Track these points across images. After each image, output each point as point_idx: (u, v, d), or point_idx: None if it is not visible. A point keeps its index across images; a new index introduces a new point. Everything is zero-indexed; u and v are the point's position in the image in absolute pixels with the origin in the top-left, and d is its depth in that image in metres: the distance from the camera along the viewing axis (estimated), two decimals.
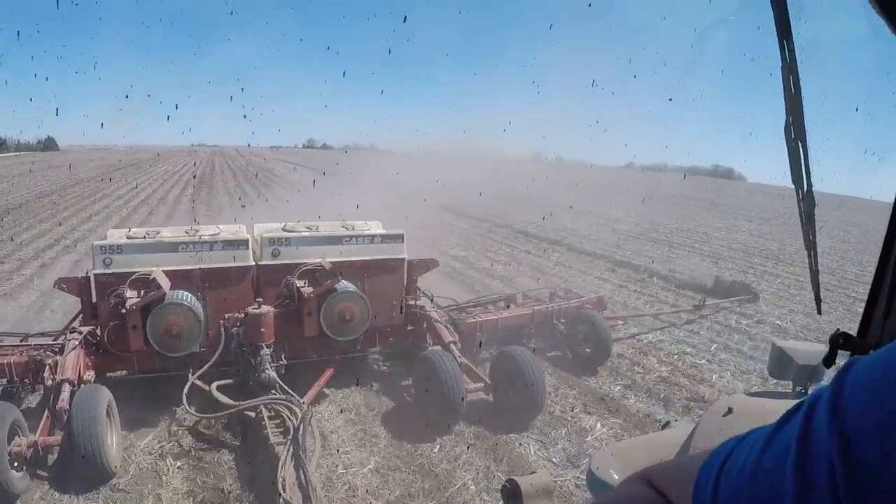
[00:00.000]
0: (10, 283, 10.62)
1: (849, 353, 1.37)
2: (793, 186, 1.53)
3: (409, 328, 6.81)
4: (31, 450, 4.59)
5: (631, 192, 34.89)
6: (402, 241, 6.59)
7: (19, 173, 38.29)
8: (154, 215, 20.41)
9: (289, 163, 52.74)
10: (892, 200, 1.25)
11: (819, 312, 1.90)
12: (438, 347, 6.15)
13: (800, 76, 1.39)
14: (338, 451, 5.25)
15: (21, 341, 6.04)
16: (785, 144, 1.47)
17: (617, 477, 2.22)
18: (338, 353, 6.38)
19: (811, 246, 1.63)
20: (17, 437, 4.56)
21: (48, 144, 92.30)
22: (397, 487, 4.77)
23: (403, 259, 6.59)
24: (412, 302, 6.75)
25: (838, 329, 1.37)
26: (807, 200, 1.54)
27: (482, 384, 5.85)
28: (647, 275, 13.27)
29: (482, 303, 7.70)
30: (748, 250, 19.23)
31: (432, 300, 7.08)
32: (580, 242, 17.33)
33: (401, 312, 6.67)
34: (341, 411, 5.99)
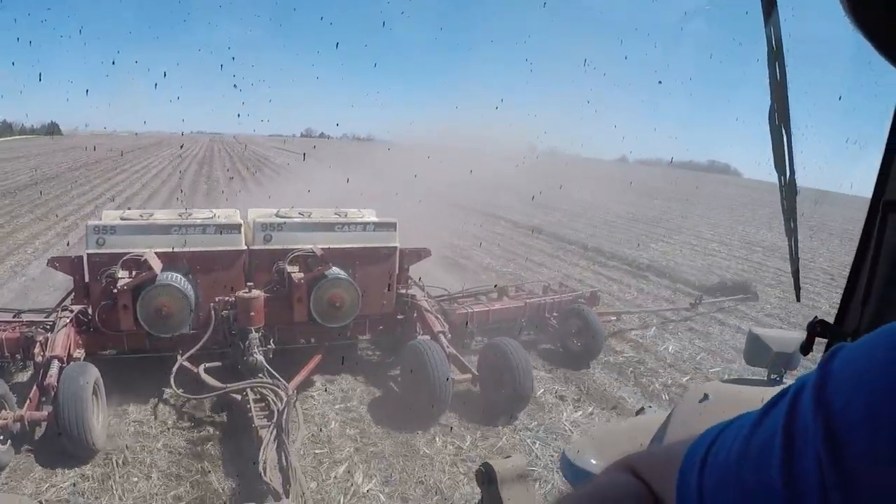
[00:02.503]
0: (78, 214, 16.35)
1: (826, 340, 1.37)
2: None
3: (400, 317, 6.79)
4: (18, 424, 4.60)
5: (587, 179, 34.87)
6: (395, 230, 6.58)
7: (38, 153, 42.65)
8: (166, 184, 26.10)
9: (289, 151, 52.50)
10: (870, 192, 1.25)
11: (798, 300, 1.90)
12: (427, 337, 6.15)
13: (786, 62, 1.39)
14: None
15: (13, 317, 6.06)
16: (769, 131, 1.47)
17: (594, 462, 2.22)
18: (327, 339, 6.38)
19: (792, 234, 1.62)
20: (3, 411, 4.58)
21: (52, 129, 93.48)
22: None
23: (395, 247, 6.58)
24: (403, 290, 6.75)
25: (816, 316, 1.36)
26: (789, 188, 1.53)
27: (469, 375, 5.85)
28: (504, 221, 19.03)
29: (474, 293, 7.70)
30: (630, 217, 23.83)
31: (423, 289, 7.07)
32: (488, 208, 21.36)
33: (391, 301, 6.66)
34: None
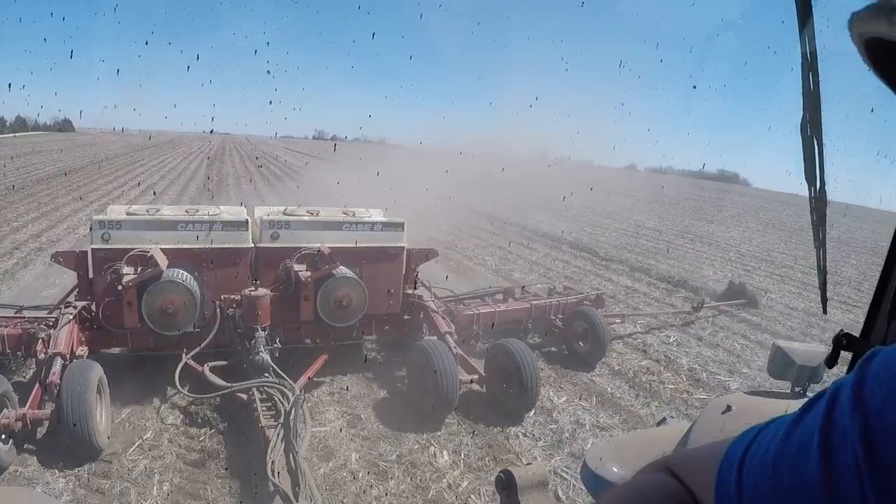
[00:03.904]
0: (109, 197, 19.81)
1: (851, 354, 1.36)
2: (801, 189, 1.50)
3: (406, 317, 6.77)
4: (20, 422, 4.55)
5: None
6: (403, 230, 6.55)
7: (59, 148, 45.23)
8: (182, 175, 29.73)
9: (303, 155, 52.06)
10: None
11: (824, 312, 1.87)
12: (434, 337, 6.12)
13: (819, 72, 1.36)
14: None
15: (15, 313, 6.01)
16: (801, 141, 1.44)
17: (616, 470, 2.19)
18: (333, 339, 6.35)
19: (820, 245, 1.60)
20: (5, 409, 4.52)
21: (64, 126, 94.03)
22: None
23: (403, 247, 6.56)
24: (410, 291, 6.72)
25: (842, 329, 1.36)
26: (819, 199, 1.51)
27: (476, 376, 5.83)
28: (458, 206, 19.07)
29: (480, 295, 7.68)
30: (591, 211, 25.56)
31: (430, 290, 7.04)
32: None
33: (398, 301, 6.64)
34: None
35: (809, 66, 1.33)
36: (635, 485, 0.78)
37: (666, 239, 19.98)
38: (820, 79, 1.36)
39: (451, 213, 17.39)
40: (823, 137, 1.42)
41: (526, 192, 24.78)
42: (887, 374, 0.47)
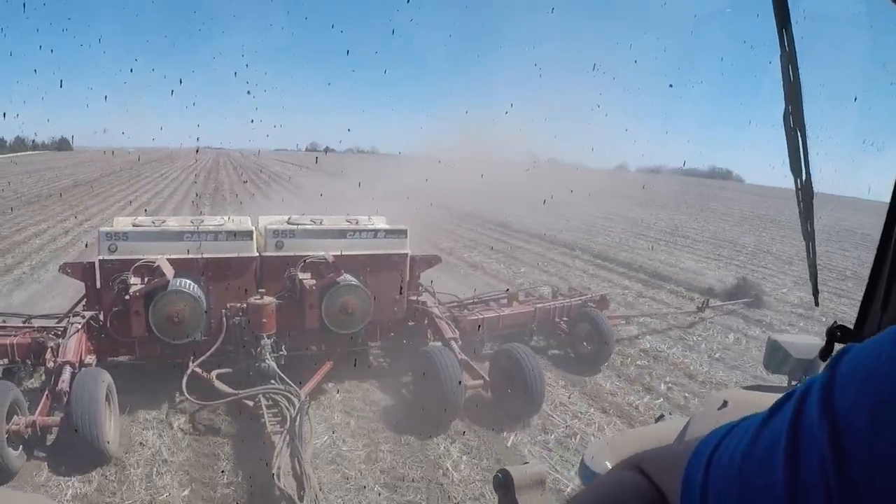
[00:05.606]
0: (125, 201, 23.12)
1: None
2: (789, 180, 1.51)
3: (411, 323, 6.80)
4: (30, 429, 4.63)
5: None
6: (406, 237, 6.59)
7: (64, 166, 48.32)
8: (183, 185, 32.43)
9: (311, 171, 51.99)
10: (889, 195, 1.23)
11: (816, 304, 1.87)
12: (439, 343, 6.14)
13: (798, 64, 1.38)
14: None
15: (24, 322, 6.08)
16: (784, 134, 1.46)
17: (610, 467, 2.21)
18: (338, 346, 6.38)
19: (809, 237, 1.60)
20: (16, 416, 4.60)
21: (62, 145, 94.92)
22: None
23: (406, 254, 6.59)
24: (414, 297, 6.75)
25: (835, 322, 1.35)
26: (805, 190, 1.52)
27: (481, 381, 5.85)
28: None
29: (484, 299, 7.70)
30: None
31: (434, 296, 7.07)
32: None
33: (402, 307, 6.67)
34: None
35: (789, 57, 1.35)
36: (606, 483, 0.77)
37: (588, 220, 22.78)
38: (800, 70, 1.38)
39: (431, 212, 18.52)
40: (807, 129, 1.45)
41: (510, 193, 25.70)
42: (856, 374, 0.46)
